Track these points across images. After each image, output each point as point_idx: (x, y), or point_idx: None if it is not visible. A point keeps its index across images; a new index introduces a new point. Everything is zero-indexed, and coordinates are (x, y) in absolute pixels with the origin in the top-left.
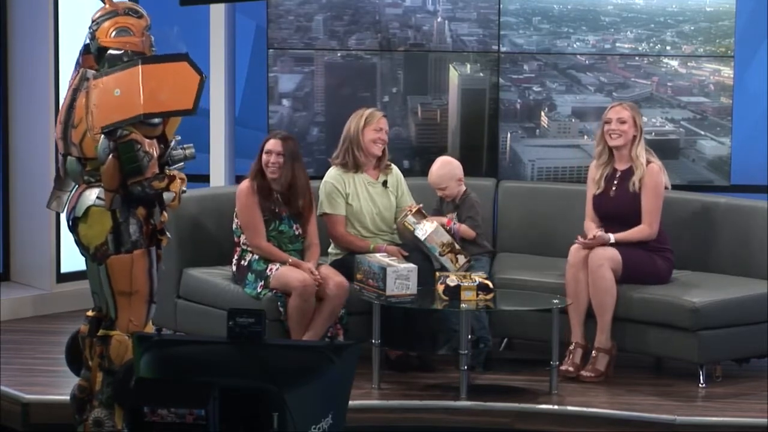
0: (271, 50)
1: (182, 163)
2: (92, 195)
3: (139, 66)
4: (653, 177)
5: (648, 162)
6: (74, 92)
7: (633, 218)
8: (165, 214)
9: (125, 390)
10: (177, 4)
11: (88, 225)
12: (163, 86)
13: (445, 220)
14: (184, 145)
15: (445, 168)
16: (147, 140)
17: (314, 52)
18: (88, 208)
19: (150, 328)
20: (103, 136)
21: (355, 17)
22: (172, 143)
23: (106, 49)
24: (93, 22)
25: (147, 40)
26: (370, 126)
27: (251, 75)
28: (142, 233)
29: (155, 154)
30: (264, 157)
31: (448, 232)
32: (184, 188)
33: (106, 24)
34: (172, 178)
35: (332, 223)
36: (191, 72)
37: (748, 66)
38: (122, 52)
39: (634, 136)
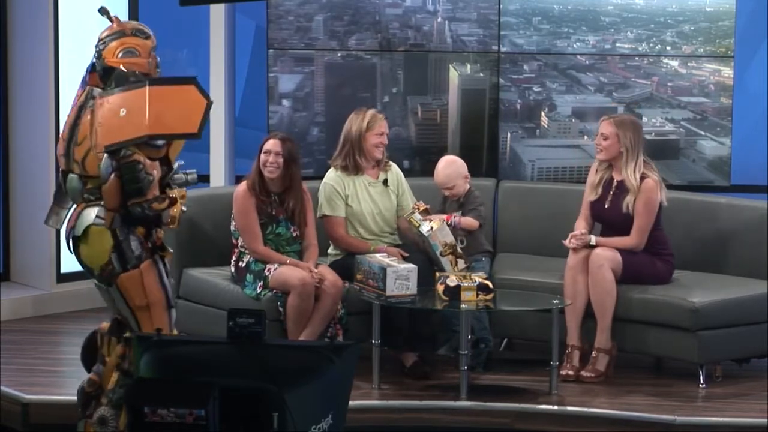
0: (271, 50)
1: (184, 189)
2: (91, 214)
3: (146, 87)
4: (647, 193)
5: (644, 177)
6: (79, 110)
7: (627, 229)
8: (161, 231)
9: None
10: (177, 4)
11: (89, 245)
12: (169, 109)
13: (444, 216)
14: (187, 171)
15: (452, 167)
16: (149, 162)
17: (314, 52)
18: (88, 228)
19: (174, 333)
20: (106, 155)
21: (355, 17)
22: (175, 166)
23: (113, 68)
24: (100, 41)
25: (153, 61)
26: (372, 131)
27: (251, 75)
28: (143, 247)
29: (157, 176)
30: (262, 156)
31: (449, 226)
32: (184, 208)
33: (113, 44)
34: (173, 201)
35: (332, 225)
36: (198, 96)
37: (748, 66)
38: (130, 72)
39: (622, 152)
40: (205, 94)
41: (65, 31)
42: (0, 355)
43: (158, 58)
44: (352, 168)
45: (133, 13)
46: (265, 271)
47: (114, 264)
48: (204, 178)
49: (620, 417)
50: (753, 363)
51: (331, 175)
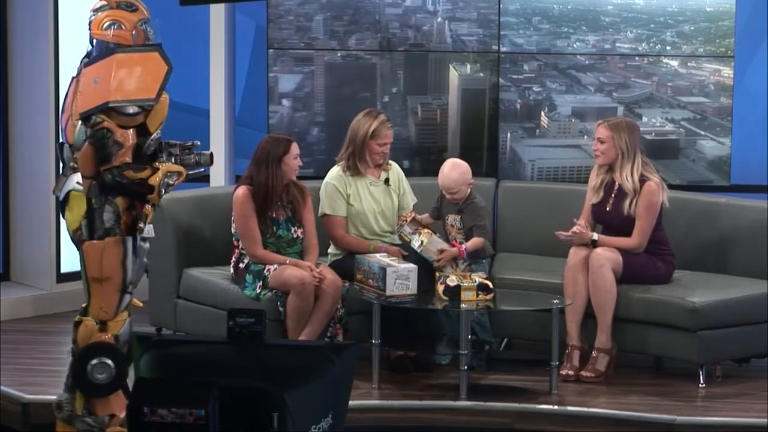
0: (271, 50)
1: (202, 169)
2: (74, 180)
3: (115, 56)
4: (648, 196)
5: (645, 180)
6: (72, 80)
7: (628, 232)
8: (148, 207)
9: (81, 371)
10: (177, 4)
11: (69, 209)
12: (131, 76)
13: (456, 250)
14: (202, 151)
15: (458, 171)
16: (120, 130)
17: (314, 52)
18: (69, 193)
19: (123, 317)
20: (80, 122)
21: (355, 17)
22: (200, 147)
23: (99, 40)
24: (90, 12)
25: (140, 34)
26: (376, 140)
27: (251, 75)
28: (118, 222)
29: (128, 144)
30: (294, 162)
31: (464, 260)
32: (171, 182)
33: (100, 16)
34: (154, 170)
35: (332, 225)
36: (160, 62)
37: (748, 66)
38: (113, 44)
39: (618, 154)
40: (168, 60)
41: (65, 31)
42: (0, 355)
43: (149, 31)
44: (354, 169)
45: None
46: (265, 271)
47: (82, 230)
48: (204, 178)
49: (620, 417)
50: (753, 363)
51: (334, 174)
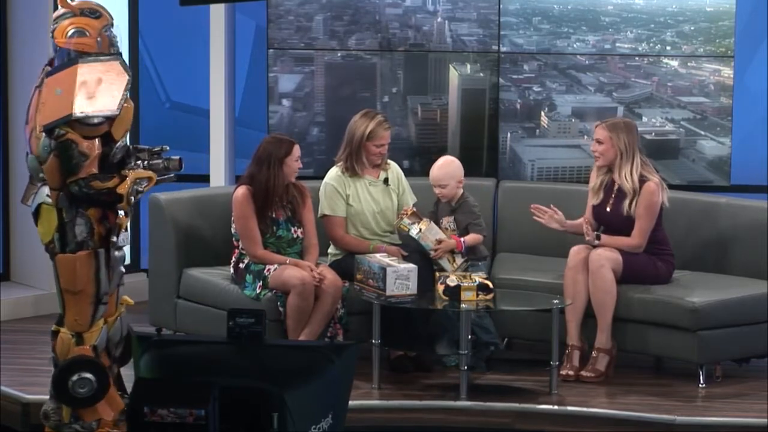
0: (271, 50)
1: (171, 174)
2: (44, 193)
3: (77, 66)
4: (648, 196)
5: (644, 180)
6: (35, 90)
7: (629, 232)
8: (122, 216)
9: (63, 387)
10: (177, 4)
11: (40, 222)
12: (93, 86)
13: (453, 242)
14: (170, 156)
15: (448, 167)
16: (86, 140)
17: (314, 52)
18: (39, 206)
19: (98, 327)
20: (44, 134)
21: (355, 17)
22: (175, 153)
23: (62, 48)
24: (53, 20)
25: (104, 40)
26: (373, 141)
27: (251, 75)
28: (90, 234)
29: (93, 154)
30: (295, 164)
31: (461, 254)
32: (140, 188)
33: (64, 23)
34: (122, 178)
35: (331, 225)
36: (121, 72)
37: (748, 66)
38: (75, 52)
39: (617, 155)
40: (127, 69)
41: None
42: (0, 355)
43: (114, 36)
44: (351, 170)
45: (133, 13)
46: (265, 271)
47: (55, 243)
48: (204, 178)
49: (620, 417)
50: (753, 363)
51: (333, 174)
